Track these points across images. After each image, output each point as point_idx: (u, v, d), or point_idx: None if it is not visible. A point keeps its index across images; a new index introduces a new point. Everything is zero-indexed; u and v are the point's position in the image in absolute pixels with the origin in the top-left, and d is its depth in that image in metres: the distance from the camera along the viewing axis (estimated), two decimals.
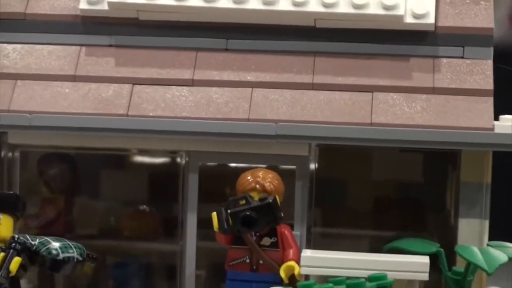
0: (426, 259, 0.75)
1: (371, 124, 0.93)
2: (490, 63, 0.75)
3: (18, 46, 1.02)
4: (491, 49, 0.78)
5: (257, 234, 0.87)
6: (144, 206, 1.15)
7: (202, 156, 1.03)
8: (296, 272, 0.80)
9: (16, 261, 0.61)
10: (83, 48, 1.04)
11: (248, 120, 1.00)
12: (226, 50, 1.03)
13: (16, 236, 0.64)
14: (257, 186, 0.88)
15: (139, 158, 1.17)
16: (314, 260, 0.82)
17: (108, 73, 1.04)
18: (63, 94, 1.00)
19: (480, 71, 0.78)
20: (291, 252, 0.83)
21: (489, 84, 0.73)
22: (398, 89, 0.95)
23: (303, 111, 0.99)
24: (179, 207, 1.06)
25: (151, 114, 0.99)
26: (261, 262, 0.86)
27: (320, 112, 0.97)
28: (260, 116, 1.00)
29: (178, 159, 1.07)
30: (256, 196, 0.84)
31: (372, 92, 0.96)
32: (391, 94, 0.95)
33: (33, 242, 0.64)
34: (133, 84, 1.02)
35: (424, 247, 0.78)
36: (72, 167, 0.93)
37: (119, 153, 1.12)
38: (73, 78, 1.03)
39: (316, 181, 1.02)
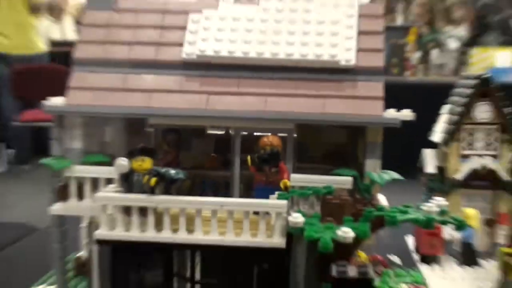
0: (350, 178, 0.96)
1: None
2: (381, 83, 0.98)
3: None
4: (383, 77, 1.00)
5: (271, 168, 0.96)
6: None
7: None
8: (288, 184, 0.93)
9: (154, 180, 0.88)
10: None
11: None
12: None
13: (154, 168, 0.91)
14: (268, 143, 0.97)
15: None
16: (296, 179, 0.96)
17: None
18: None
19: (376, 87, 0.98)
20: (285, 175, 0.94)
21: (380, 92, 0.97)
22: (342, 96, 1.01)
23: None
24: None
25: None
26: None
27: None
28: None
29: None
30: (269, 148, 0.96)
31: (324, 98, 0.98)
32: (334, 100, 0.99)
33: (162, 170, 0.91)
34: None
35: (350, 173, 0.97)
36: (179, 135, 1.11)
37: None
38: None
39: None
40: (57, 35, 5.67)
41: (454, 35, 5.44)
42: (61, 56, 5.05)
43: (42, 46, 5.16)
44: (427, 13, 5.44)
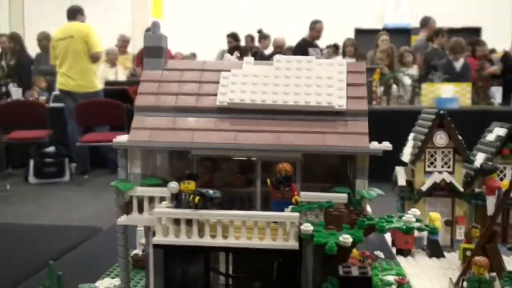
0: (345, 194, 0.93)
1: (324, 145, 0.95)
2: (366, 122, 0.98)
3: None
4: (367, 117, 0.99)
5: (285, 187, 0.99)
6: None
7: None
8: (298, 200, 0.94)
9: (197, 198, 0.88)
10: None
11: None
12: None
13: (197, 189, 0.90)
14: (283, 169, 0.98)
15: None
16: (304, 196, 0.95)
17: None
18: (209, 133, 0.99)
19: (362, 125, 0.99)
20: (296, 193, 0.96)
21: (366, 129, 0.97)
22: (337, 132, 1.00)
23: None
24: None
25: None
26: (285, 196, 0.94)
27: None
28: None
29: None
30: (283, 173, 0.98)
31: (324, 134, 0.98)
32: (331, 135, 0.98)
33: (203, 191, 0.89)
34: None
35: (344, 190, 0.95)
36: (213, 162, 1.10)
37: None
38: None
39: None
40: (111, 77, 5.78)
41: (408, 74, 5.52)
42: (114, 93, 5.14)
43: (99, 86, 5.24)
44: (387, 58, 5.56)
